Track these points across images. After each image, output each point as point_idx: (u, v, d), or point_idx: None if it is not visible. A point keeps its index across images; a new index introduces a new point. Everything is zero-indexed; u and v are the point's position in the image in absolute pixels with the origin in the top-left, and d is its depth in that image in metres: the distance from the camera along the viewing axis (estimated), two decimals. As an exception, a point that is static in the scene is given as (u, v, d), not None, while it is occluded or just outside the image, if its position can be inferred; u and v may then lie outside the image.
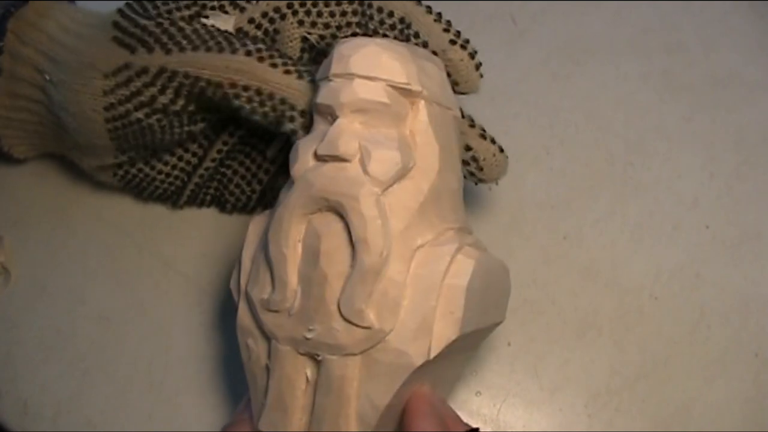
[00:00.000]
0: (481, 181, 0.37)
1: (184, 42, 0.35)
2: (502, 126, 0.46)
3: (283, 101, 0.34)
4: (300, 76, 0.34)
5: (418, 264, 0.30)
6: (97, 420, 0.40)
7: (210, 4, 0.37)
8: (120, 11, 0.36)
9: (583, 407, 0.40)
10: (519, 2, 0.50)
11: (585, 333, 0.41)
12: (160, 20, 0.35)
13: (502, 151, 0.37)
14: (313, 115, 0.33)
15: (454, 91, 0.35)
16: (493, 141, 0.37)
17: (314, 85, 0.34)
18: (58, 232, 0.44)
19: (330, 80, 0.32)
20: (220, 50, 0.34)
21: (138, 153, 0.39)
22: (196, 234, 0.44)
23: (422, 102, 0.32)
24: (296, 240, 0.31)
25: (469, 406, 0.40)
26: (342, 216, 0.30)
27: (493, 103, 0.47)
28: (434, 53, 0.35)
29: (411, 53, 0.32)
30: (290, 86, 0.34)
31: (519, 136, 0.46)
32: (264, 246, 0.32)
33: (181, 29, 0.35)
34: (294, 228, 0.31)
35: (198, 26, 0.36)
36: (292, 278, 0.31)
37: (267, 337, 0.32)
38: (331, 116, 0.32)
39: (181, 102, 0.36)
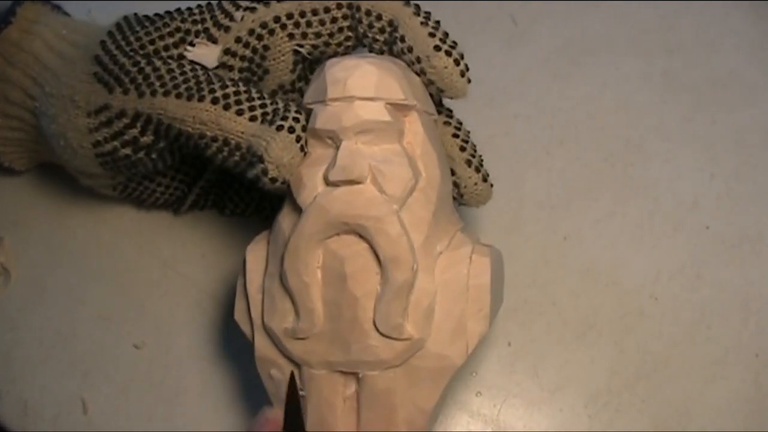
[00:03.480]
0: (462, 204, 0.37)
1: (157, 84, 0.34)
2: (502, 126, 0.46)
3: (248, 149, 0.33)
4: (264, 120, 0.32)
5: (442, 270, 0.32)
6: (97, 420, 0.40)
7: (194, 29, 0.36)
8: (102, 43, 0.36)
9: (583, 408, 0.40)
10: (519, 2, 0.50)
11: (585, 333, 0.41)
12: (137, 58, 0.35)
13: (485, 180, 0.37)
14: (305, 142, 0.32)
15: (442, 97, 0.35)
16: (478, 169, 0.36)
17: (299, 109, 0.33)
18: (58, 232, 0.44)
19: (327, 104, 0.32)
20: (189, 97, 0.33)
21: (133, 177, 0.39)
22: (195, 235, 0.44)
23: (415, 113, 0.33)
24: (315, 267, 0.31)
25: (469, 406, 0.40)
26: (362, 237, 0.31)
27: (493, 104, 0.47)
28: (418, 60, 0.34)
29: (398, 67, 0.33)
30: (255, 134, 0.32)
31: (519, 136, 0.46)
32: (279, 276, 0.32)
33: (156, 69, 0.34)
34: (312, 255, 0.31)
35: (174, 64, 0.35)
36: (318, 305, 0.31)
37: (296, 363, 0.32)
38: (333, 140, 0.32)
39: (163, 142, 0.35)
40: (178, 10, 0.37)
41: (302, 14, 0.36)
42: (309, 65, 0.38)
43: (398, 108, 0.32)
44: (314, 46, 0.36)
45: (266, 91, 0.37)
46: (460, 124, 0.37)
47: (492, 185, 0.37)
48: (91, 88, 0.35)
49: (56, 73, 0.37)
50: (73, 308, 0.42)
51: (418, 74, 0.34)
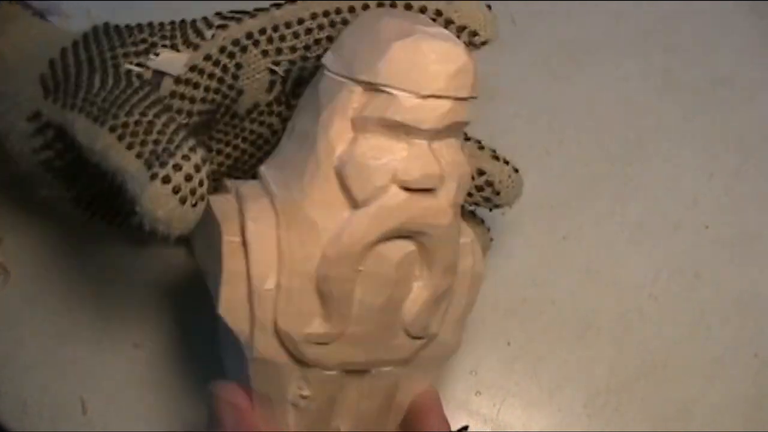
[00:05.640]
0: (496, 206, 0.36)
1: (79, 98, 0.31)
2: (502, 126, 0.46)
3: (132, 194, 0.28)
4: (148, 161, 0.28)
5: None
6: (96, 421, 0.40)
7: (161, 43, 0.33)
8: (63, 51, 0.33)
9: (582, 407, 0.40)
10: (519, 2, 0.50)
11: (584, 333, 0.41)
12: (84, 67, 0.32)
13: (516, 171, 0.35)
14: (348, 125, 0.28)
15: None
16: (506, 161, 0.35)
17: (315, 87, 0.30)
18: (57, 232, 0.44)
19: (420, 97, 0.27)
20: (95, 119, 0.30)
21: (87, 189, 0.36)
22: (195, 234, 0.44)
23: None
24: (359, 270, 0.28)
25: (468, 406, 0.40)
26: (414, 239, 0.28)
27: (493, 103, 0.47)
28: (439, 12, 0.32)
29: (464, 49, 0.29)
30: (135, 176, 0.28)
31: (518, 136, 0.46)
32: (318, 277, 0.28)
33: (91, 83, 0.31)
34: (362, 260, 0.28)
35: (110, 80, 0.32)
36: (356, 309, 0.29)
37: (304, 364, 0.30)
38: (407, 134, 0.28)
39: (86, 161, 0.32)
40: (150, 23, 0.35)
41: (275, 28, 0.33)
42: (293, 87, 0.36)
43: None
44: (291, 62, 0.34)
45: (241, 110, 0.36)
46: None
47: (521, 178, 0.36)
48: (33, 90, 0.33)
49: (12, 70, 0.35)
50: (72, 308, 0.42)
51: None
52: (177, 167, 0.27)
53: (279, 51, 0.34)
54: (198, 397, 0.40)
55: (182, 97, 0.34)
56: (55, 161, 0.33)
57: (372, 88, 0.28)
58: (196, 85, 0.34)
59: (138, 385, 0.41)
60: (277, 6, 0.35)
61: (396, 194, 0.28)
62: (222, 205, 0.30)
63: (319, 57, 0.34)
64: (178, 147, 0.28)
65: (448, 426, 0.32)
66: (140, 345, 0.41)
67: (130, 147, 0.28)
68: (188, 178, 0.27)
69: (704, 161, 0.45)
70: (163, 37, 0.34)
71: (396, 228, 0.28)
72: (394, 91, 0.27)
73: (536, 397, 0.40)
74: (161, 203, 0.27)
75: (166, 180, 0.27)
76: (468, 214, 0.36)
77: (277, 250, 0.29)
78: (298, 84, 0.35)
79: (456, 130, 0.29)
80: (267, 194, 0.30)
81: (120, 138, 0.29)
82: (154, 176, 0.27)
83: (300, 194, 0.28)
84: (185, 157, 0.28)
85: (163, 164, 0.27)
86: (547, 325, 0.42)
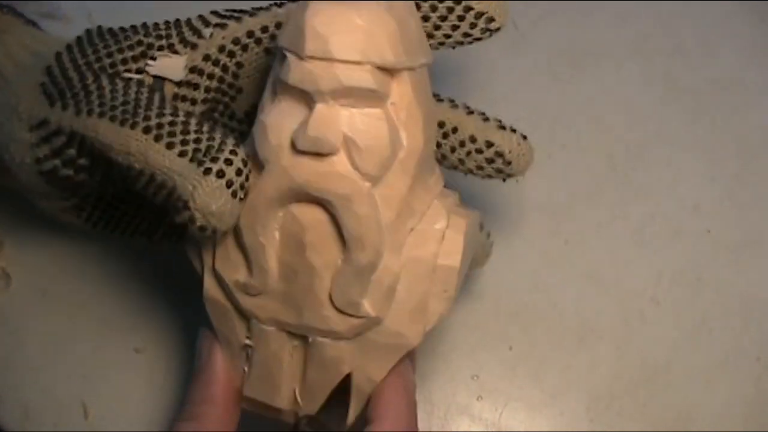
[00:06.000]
0: (509, 176, 0.35)
1: (95, 104, 0.31)
2: (504, 130, 0.46)
3: (172, 191, 0.29)
4: (194, 158, 0.29)
5: (411, 246, 0.30)
6: (98, 425, 0.40)
7: (157, 43, 0.33)
8: (58, 55, 0.33)
9: (584, 411, 0.40)
10: (520, 6, 0.50)
11: (586, 337, 0.41)
12: (86, 73, 0.32)
13: (525, 138, 0.35)
14: (273, 90, 0.29)
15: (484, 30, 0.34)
16: (513, 129, 0.35)
17: (272, 54, 0.30)
18: (58, 236, 0.44)
19: (302, 59, 0.28)
20: (122, 122, 0.30)
21: (87, 199, 0.36)
22: (197, 238, 0.44)
23: (405, 73, 0.29)
24: (274, 228, 0.30)
25: (470, 410, 0.40)
26: (326, 209, 0.29)
27: (494, 107, 0.46)
28: None
29: (392, 14, 0.29)
30: (182, 173, 0.28)
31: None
32: (234, 231, 0.30)
33: (100, 87, 0.32)
34: (271, 217, 0.29)
35: (120, 84, 0.32)
36: (272, 265, 0.30)
37: (243, 314, 0.31)
38: (306, 99, 0.28)
39: (102, 166, 0.32)
40: (144, 24, 0.35)
41: (278, 26, 0.34)
42: None
43: (386, 71, 0.29)
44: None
45: (239, 111, 0.36)
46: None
47: (530, 144, 0.35)
48: (35, 99, 0.33)
49: (9, 80, 0.34)
50: (73, 312, 0.42)
51: (451, 10, 0.33)
52: (228, 162, 0.28)
53: None
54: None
55: (184, 99, 0.34)
56: (61, 170, 0.33)
57: (281, 52, 0.29)
58: (196, 87, 0.34)
59: (139, 390, 0.41)
60: (279, 5, 0.35)
61: (293, 155, 0.28)
62: None
63: None
64: (223, 143, 0.29)
65: (408, 416, 0.31)
66: (141, 349, 0.41)
67: (170, 147, 0.29)
68: (239, 172, 0.28)
69: (706, 165, 0.45)
70: (159, 37, 0.34)
71: (294, 190, 0.29)
72: (287, 54, 0.28)
73: (538, 402, 0.40)
74: (216, 197, 0.28)
75: (221, 174, 0.28)
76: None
77: None
78: None
79: (367, 98, 0.28)
80: None
81: (157, 138, 0.29)
82: (207, 171, 0.28)
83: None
84: (233, 152, 0.28)
85: (214, 159, 0.28)
86: (549, 329, 0.42)
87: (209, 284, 0.32)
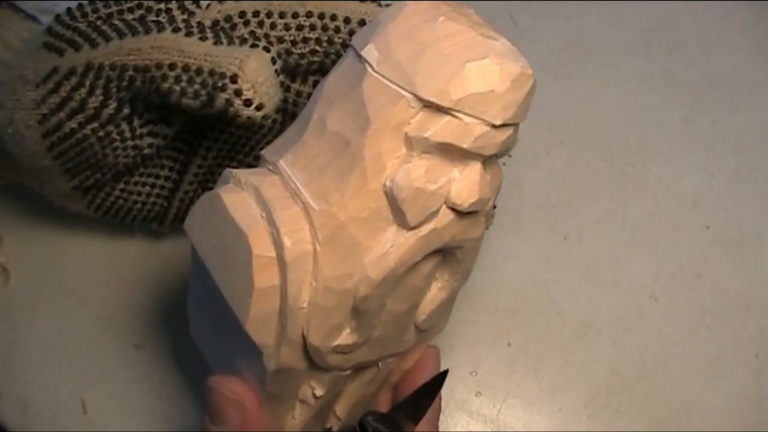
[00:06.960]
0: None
1: (112, 33, 0.32)
2: (502, 126, 0.46)
3: (212, 73, 0.30)
4: (231, 43, 0.30)
5: None
6: (96, 420, 0.40)
7: (156, 7, 0.34)
8: (57, 16, 0.34)
9: (583, 408, 0.40)
10: (519, 2, 0.50)
11: (585, 333, 0.41)
12: (92, 18, 0.33)
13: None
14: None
15: None
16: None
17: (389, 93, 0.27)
18: (57, 232, 0.44)
19: (459, 118, 0.26)
20: (147, 31, 0.31)
21: (92, 175, 0.37)
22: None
23: None
24: (402, 287, 0.28)
25: (469, 406, 0.40)
26: (444, 252, 0.29)
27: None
28: None
29: (526, 65, 0.28)
30: (219, 54, 0.29)
31: (519, 136, 0.46)
32: (358, 296, 0.27)
33: (112, 24, 0.33)
34: (405, 280, 0.28)
35: (129, 16, 0.33)
36: (381, 319, 0.29)
37: (322, 370, 0.29)
38: (461, 156, 0.27)
39: (113, 104, 0.33)
40: None
41: (269, 14, 0.34)
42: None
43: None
44: (277, 54, 0.33)
45: None
46: None
47: None
48: (41, 58, 0.33)
49: (8, 64, 0.35)
50: (72, 308, 0.42)
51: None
52: (269, 43, 0.30)
53: (266, 36, 0.33)
54: (198, 398, 0.40)
55: None
56: (65, 124, 0.33)
57: (436, 108, 0.26)
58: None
59: (138, 386, 0.41)
60: None
61: (446, 216, 0.27)
62: (241, 209, 0.28)
63: (302, 56, 0.34)
64: (245, 41, 0.30)
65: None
66: (141, 345, 0.41)
67: (202, 39, 0.30)
68: (279, 54, 0.30)
69: (705, 161, 0.45)
70: (158, 0, 0.34)
71: (440, 247, 0.28)
72: (465, 117, 0.26)
73: (537, 398, 0.40)
74: (264, 70, 0.29)
75: (267, 49, 0.29)
76: None
77: (312, 267, 0.27)
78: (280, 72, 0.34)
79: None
80: (293, 198, 0.28)
81: (188, 35, 0.31)
82: (254, 45, 0.29)
83: (341, 209, 0.27)
84: (268, 40, 0.30)
85: (257, 38, 0.30)
86: (548, 325, 0.42)
87: (285, 356, 0.28)
